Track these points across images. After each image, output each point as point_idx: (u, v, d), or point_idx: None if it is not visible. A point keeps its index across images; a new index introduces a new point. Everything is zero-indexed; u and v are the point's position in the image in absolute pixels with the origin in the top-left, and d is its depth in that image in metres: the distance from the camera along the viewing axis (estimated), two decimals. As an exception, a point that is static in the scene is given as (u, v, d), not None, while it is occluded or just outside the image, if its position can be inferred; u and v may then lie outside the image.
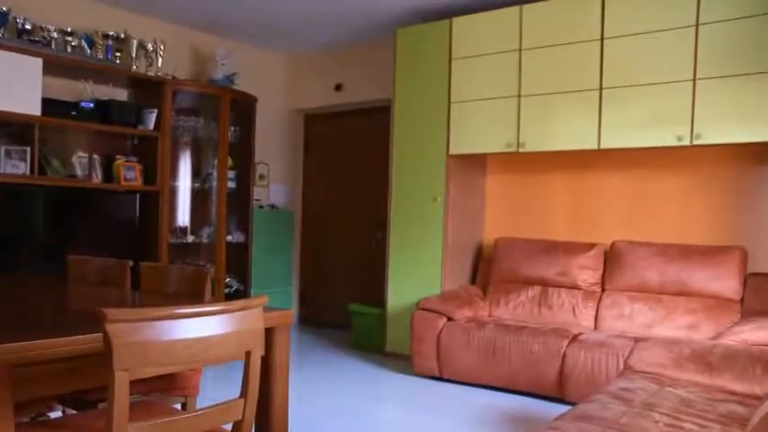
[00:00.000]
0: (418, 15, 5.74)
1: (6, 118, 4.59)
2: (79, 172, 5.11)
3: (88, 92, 5.24)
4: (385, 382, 5.02)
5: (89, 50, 5.22)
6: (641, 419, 2.51)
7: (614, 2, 4.65)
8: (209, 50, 6.32)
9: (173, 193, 5.71)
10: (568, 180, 5.46)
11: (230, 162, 6.06)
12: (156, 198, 5.46)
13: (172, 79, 5.60)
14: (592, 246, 5.09)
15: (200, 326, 1.73)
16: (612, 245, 5.00)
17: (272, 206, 7.15)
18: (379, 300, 6.12)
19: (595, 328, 4.84)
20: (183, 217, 5.87)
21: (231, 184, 6.09)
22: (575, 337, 4.46)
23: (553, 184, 5.53)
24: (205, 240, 5.92)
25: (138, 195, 5.42)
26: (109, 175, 5.34)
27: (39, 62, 4.71)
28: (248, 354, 1.88)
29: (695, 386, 3.10)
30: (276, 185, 7.29)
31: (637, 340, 4.01)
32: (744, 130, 4.19)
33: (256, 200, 6.70)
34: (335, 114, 7.28)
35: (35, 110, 4.69)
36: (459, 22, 5.37)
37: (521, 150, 5.05)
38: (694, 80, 4.35)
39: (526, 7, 5.03)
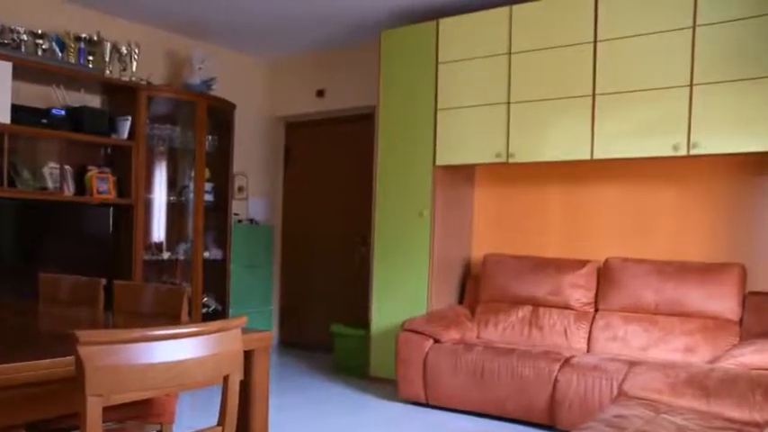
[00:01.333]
0: (405, 17, 5.73)
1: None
2: (50, 184, 5.08)
3: (59, 98, 5.23)
4: (368, 409, 5.00)
5: (60, 54, 5.20)
6: (636, 448, 2.53)
7: (607, 1, 4.65)
8: (185, 54, 6.30)
9: (147, 206, 5.69)
10: (560, 192, 5.47)
11: (207, 173, 6.06)
12: (130, 212, 5.44)
13: (147, 84, 5.59)
14: (584, 263, 5.09)
15: (176, 348, 1.73)
16: (606, 262, 5.00)
17: (252, 220, 7.14)
18: (363, 320, 6.12)
19: (588, 351, 4.85)
20: (159, 232, 5.85)
21: (208, 197, 6.08)
22: (566, 361, 4.46)
23: (544, 197, 5.54)
24: (181, 257, 5.91)
25: (111, 209, 5.40)
26: (81, 187, 5.31)
27: (8, 66, 4.69)
28: (226, 378, 1.88)
29: (692, 413, 3.13)
30: (255, 198, 7.28)
31: (631, 364, 4.03)
32: (744, 138, 4.17)
33: (235, 214, 6.68)
34: (317, 122, 7.26)
35: (5, 117, 4.67)
36: (446, 24, 5.36)
37: (510, 161, 5.05)
38: (691, 85, 4.34)
39: (516, 8, 5.02)
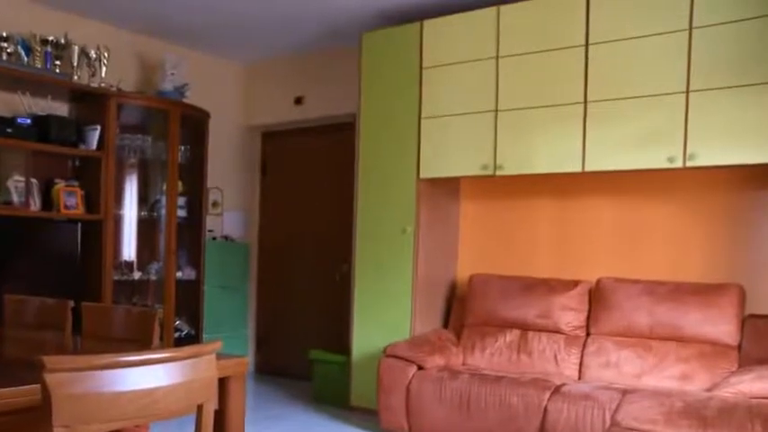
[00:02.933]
0: (388, 18, 5.70)
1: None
2: (15, 198, 5.04)
3: (25, 106, 5.21)
4: (349, 440, 4.99)
5: (26, 58, 5.17)
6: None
7: (600, 0, 4.62)
8: (156, 58, 6.27)
9: (117, 222, 5.66)
10: (550, 207, 5.45)
11: (181, 187, 6.03)
12: (99, 228, 5.40)
13: (117, 91, 5.56)
14: (575, 283, 5.08)
15: (148, 376, 1.72)
16: (598, 282, 4.99)
17: (226, 237, 7.13)
18: (344, 344, 6.08)
19: (579, 378, 4.85)
20: (129, 250, 5.82)
21: (181, 213, 6.05)
22: (557, 389, 4.44)
23: (534, 212, 5.53)
24: (153, 277, 5.87)
25: (79, 225, 5.37)
26: (48, 201, 5.27)
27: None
28: (200, 407, 1.87)
29: (687, 444, 3.15)
30: (230, 213, 7.26)
31: (625, 392, 4.05)
32: (743, 150, 4.10)
33: (209, 230, 6.67)
34: (296, 131, 7.24)
35: (-33, 127, 4.65)
36: (430, 25, 5.33)
37: (498, 174, 5.02)
38: (687, 92, 4.30)
39: (504, 8, 5.00)
